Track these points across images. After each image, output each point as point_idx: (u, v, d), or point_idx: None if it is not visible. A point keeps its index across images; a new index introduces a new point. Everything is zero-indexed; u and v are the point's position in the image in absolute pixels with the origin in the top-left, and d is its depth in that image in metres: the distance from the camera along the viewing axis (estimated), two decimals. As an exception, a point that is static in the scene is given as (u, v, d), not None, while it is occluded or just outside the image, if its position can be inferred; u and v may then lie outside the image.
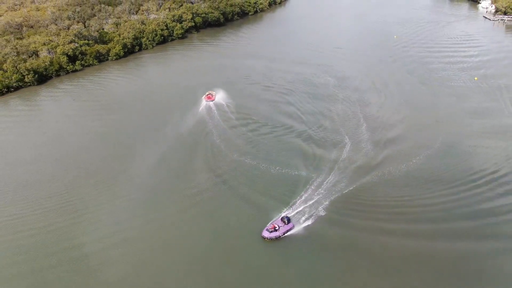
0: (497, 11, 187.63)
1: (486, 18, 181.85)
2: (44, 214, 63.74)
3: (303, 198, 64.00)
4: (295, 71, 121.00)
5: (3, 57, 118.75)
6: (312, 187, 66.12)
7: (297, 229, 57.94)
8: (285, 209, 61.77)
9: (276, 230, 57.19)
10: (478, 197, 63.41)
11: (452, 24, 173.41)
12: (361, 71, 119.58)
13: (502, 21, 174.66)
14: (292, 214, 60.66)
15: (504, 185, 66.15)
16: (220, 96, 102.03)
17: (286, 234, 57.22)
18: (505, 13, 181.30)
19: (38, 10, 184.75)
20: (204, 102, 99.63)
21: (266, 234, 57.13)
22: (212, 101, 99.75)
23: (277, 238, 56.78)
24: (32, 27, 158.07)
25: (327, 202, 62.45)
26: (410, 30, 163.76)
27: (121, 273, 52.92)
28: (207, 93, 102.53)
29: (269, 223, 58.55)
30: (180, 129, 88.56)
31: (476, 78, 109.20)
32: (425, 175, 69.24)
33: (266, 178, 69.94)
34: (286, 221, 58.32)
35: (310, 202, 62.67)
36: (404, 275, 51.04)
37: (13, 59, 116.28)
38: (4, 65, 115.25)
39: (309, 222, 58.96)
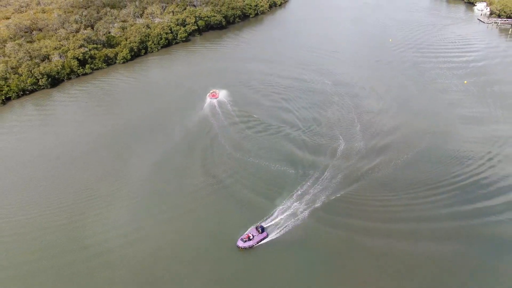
0: (491, 13, 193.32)
1: (480, 20, 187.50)
2: (57, 214, 69.21)
3: (297, 194, 70.16)
4: (294, 73, 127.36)
5: (18, 61, 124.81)
6: (306, 186, 72.49)
7: (283, 230, 62.14)
8: (281, 204, 67.79)
9: (250, 240, 59.28)
10: (459, 198, 68.78)
11: (448, 27, 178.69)
12: (356, 74, 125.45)
13: (496, 24, 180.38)
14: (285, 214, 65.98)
15: (484, 187, 71.62)
16: (222, 94, 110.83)
17: (260, 243, 59.66)
18: (499, 16, 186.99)
19: (44, 12, 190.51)
20: (208, 100, 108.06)
21: (240, 243, 59.12)
22: (216, 98, 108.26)
23: (251, 247, 59.08)
24: (41, 30, 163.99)
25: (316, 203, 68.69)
26: (407, 34, 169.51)
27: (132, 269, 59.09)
28: (211, 91, 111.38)
29: (245, 233, 61.15)
30: (187, 125, 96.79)
31: (465, 82, 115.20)
32: (411, 176, 75.08)
33: (265, 176, 76.18)
34: (260, 230, 60.51)
35: (299, 203, 68.01)
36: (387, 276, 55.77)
37: (28, 64, 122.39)
38: (19, 69, 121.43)
39: (299, 219, 64.20)
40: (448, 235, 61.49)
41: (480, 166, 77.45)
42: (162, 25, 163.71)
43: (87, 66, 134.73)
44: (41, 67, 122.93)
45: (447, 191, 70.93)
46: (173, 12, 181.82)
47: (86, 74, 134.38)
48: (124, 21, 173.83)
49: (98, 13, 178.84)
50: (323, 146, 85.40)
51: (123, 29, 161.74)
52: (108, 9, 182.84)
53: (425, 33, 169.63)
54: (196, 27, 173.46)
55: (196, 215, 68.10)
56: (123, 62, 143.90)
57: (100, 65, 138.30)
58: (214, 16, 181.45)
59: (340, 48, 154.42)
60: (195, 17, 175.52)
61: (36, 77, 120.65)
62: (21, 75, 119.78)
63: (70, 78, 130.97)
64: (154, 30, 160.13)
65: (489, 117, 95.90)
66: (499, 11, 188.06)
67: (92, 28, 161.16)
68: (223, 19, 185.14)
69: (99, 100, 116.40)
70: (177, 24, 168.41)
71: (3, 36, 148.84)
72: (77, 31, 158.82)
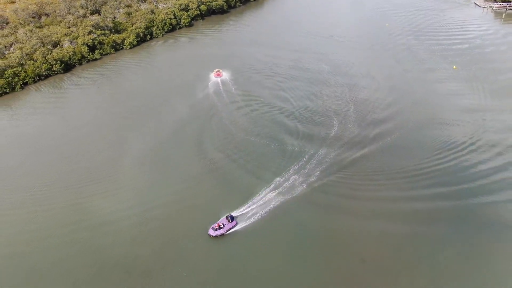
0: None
1: (476, 4, 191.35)
2: (75, 193, 76.53)
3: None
4: (292, 57, 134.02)
5: (32, 48, 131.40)
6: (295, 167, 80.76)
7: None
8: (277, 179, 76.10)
9: (220, 228, 63.04)
10: (441, 180, 74.99)
11: (444, 11, 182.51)
12: (353, 60, 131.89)
13: (491, 8, 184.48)
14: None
15: (462, 170, 77.37)
16: (226, 74, 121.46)
17: (230, 231, 63.75)
18: (495, 0, 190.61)
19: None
20: (213, 78, 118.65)
21: (211, 232, 63.06)
22: (220, 77, 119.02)
23: (222, 235, 63.10)
24: (48, 15, 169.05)
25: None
26: (404, 18, 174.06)
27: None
28: (215, 70, 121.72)
29: (216, 222, 65.24)
30: (193, 102, 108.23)
31: (455, 67, 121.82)
32: (395, 159, 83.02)
33: (264, 154, 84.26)
34: (230, 219, 64.59)
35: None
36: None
37: (42, 50, 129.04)
38: (34, 55, 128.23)
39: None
40: (431, 215, 67.15)
41: (463, 150, 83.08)
42: (166, 11, 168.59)
43: (96, 51, 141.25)
44: (54, 53, 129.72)
45: (431, 172, 76.88)
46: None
47: (95, 59, 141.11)
48: (128, 6, 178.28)
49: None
50: (317, 129, 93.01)
51: (128, 15, 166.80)
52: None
53: (422, 17, 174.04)
54: (199, 12, 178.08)
55: (191, 196, 74.40)
56: (130, 48, 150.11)
57: (108, 51, 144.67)
58: (216, 0, 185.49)
59: (340, 33, 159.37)
60: (198, 1, 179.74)
61: (50, 63, 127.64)
62: (36, 61, 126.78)
63: (81, 64, 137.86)
64: (159, 15, 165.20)
65: (476, 103, 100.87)
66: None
67: (99, 13, 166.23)
68: (225, 4, 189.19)
69: (110, 84, 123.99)
70: (181, 9, 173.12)
71: (13, 21, 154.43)
72: (84, 16, 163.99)
